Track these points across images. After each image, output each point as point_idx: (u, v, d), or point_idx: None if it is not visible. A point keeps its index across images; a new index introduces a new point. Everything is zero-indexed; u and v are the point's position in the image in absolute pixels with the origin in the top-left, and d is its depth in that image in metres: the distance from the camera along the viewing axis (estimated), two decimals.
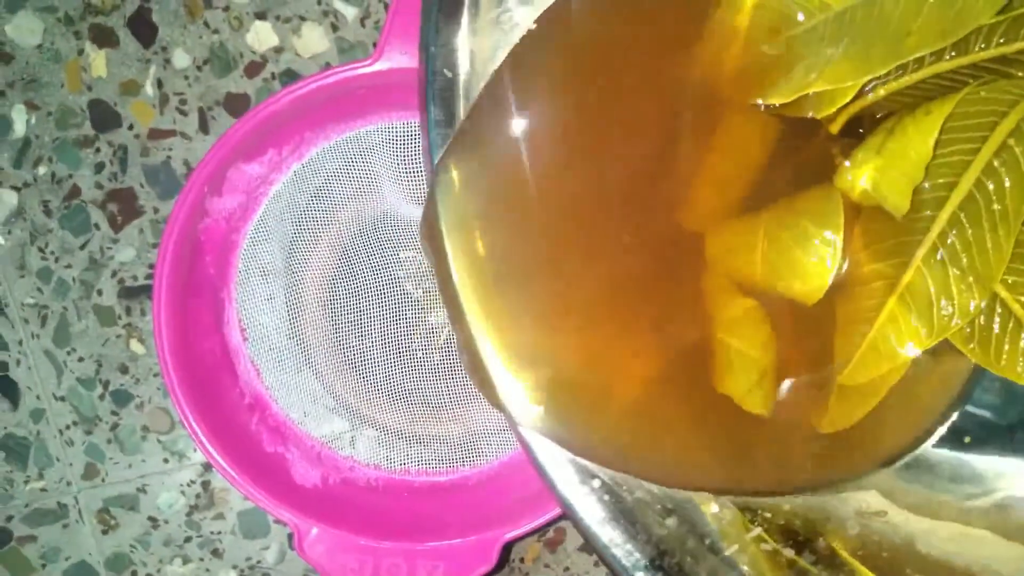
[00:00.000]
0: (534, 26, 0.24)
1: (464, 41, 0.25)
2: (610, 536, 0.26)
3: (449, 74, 0.24)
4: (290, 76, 0.46)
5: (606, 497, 0.26)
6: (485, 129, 0.24)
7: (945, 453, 0.29)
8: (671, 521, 0.26)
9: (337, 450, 0.43)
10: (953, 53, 0.24)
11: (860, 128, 0.26)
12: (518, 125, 0.24)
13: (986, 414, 0.29)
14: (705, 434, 0.25)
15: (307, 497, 0.40)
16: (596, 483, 0.26)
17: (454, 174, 0.24)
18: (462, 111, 0.25)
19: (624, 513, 0.26)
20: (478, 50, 0.25)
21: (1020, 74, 0.24)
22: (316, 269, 0.43)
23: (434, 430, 0.43)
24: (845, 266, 0.26)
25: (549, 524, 0.40)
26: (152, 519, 0.50)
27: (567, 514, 0.26)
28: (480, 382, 0.24)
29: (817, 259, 0.24)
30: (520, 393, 0.24)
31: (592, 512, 0.26)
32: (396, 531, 0.39)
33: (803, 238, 0.24)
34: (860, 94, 0.25)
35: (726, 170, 0.25)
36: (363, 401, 0.43)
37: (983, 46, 0.24)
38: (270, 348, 0.44)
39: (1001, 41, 0.23)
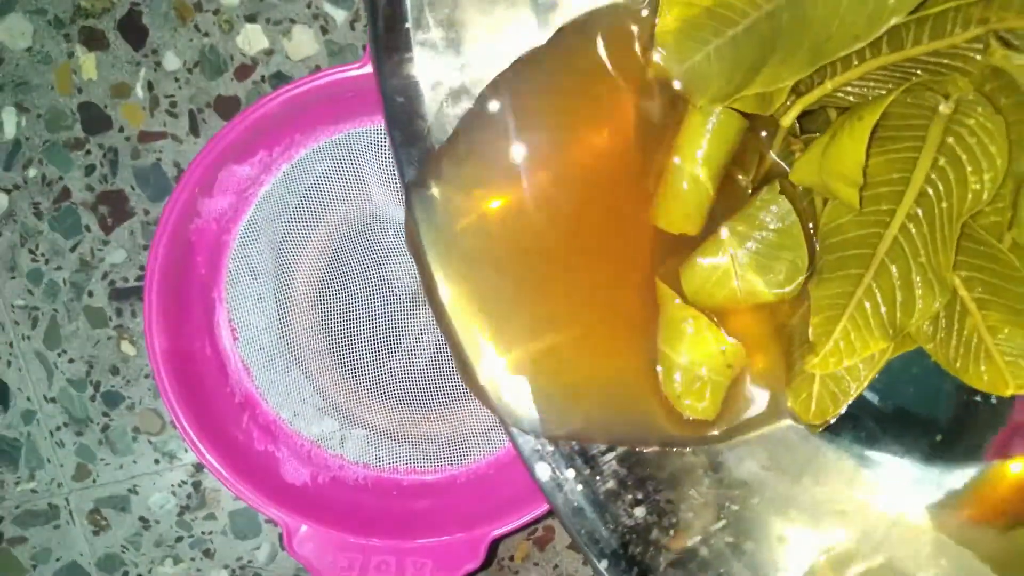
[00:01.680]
0: (509, 66, 0.27)
1: (411, 67, 0.27)
2: (582, 524, 0.28)
3: (401, 99, 0.27)
4: (280, 79, 0.46)
5: (579, 488, 0.28)
6: (463, 151, 0.27)
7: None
8: (639, 511, 0.28)
9: (327, 449, 0.43)
10: (881, 51, 0.24)
11: (828, 121, 0.27)
12: (494, 148, 0.27)
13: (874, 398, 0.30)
14: (647, 407, 0.28)
15: (296, 495, 0.40)
16: (570, 473, 0.28)
17: (433, 191, 0.27)
18: (427, 129, 0.27)
19: (595, 504, 0.28)
20: (423, 75, 0.27)
21: (946, 73, 0.24)
22: (306, 270, 0.44)
23: (422, 430, 0.43)
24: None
25: (536, 522, 0.40)
26: (143, 520, 0.50)
27: (548, 501, 0.28)
28: (462, 367, 0.27)
29: (784, 272, 0.26)
30: (499, 376, 0.27)
31: (566, 501, 0.27)
32: (385, 529, 0.39)
33: (768, 256, 0.26)
34: (801, 93, 0.26)
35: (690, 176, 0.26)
36: (352, 401, 0.44)
37: (896, 47, 0.24)
38: (260, 348, 0.44)
39: (911, 42, 0.24)
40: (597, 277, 0.28)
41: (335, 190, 0.43)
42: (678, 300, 0.27)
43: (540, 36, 0.27)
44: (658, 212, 0.27)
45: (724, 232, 0.26)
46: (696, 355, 0.27)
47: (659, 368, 0.28)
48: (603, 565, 0.28)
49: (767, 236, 0.26)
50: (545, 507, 0.39)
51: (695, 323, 0.27)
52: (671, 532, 0.28)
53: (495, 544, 0.40)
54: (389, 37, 0.27)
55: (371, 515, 0.40)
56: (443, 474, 0.43)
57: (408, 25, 0.27)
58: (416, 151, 0.27)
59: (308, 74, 0.43)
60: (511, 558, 0.48)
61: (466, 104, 0.27)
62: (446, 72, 0.27)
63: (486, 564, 0.39)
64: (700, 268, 0.27)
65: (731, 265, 0.26)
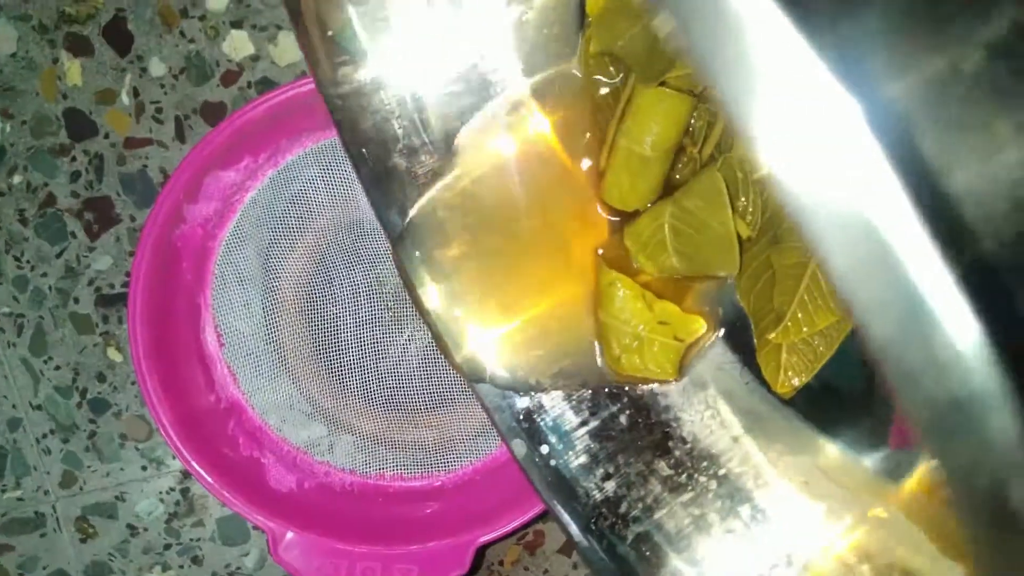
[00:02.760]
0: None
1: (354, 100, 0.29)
2: (555, 497, 0.29)
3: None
4: (266, 84, 0.46)
5: (552, 463, 0.29)
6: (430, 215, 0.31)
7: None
8: (609, 485, 0.29)
9: (313, 455, 0.43)
10: None
11: None
12: (457, 198, 0.31)
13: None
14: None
15: (282, 502, 0.40)
16: (544, 449, 0.30)
17: (410, 241, 0.30)
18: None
19: (569, 478, 0.29)
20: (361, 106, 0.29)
21: None
22: (292, 275, 0.44)
23: (409, 435, 0.43)
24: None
25: (525, 527, 0.40)
26: (131, 527, 0.50)
27: (524, 475, 0.30)
28: (443, 349, 0.31)
29: (721, 243, 0.26)
30: (474, 352, 0.31)
31: (541, 476, 0.29)
32: (371, 535, 0.39)
33: (703, 226, 0.26)
34: None
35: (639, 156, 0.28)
36: (340, 406, 0.44)
37: None
38: (247, 354, 0.44)
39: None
40: (555, 262, 0.30)
41: (322, 196, 0.43)
42: (605, 268, 0.29)
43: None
44: (608, 191, 0.28)
45: (666, 204, 0.27)
46: (627, 314, 0.28)
47: (598, 340, 0.30)
48: (576, 538, 0.29)
49: (699, 212, 0.27)
50: (532, 513, 0.39)
51: (621, 284, 0.28)
52: (639, 505, 0.29)
53: (482, 550, 0.40)
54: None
55: (357, 521, 0.40)
56: (430, 480, 0.43)
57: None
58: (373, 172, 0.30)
59: (294, 80, 0.43)
60: (501, 563, 0.48)
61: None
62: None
63: (473, 570, 0.39)
64: (641, 228, 0.28)
65: (666, 235, 0.27)
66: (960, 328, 0.13)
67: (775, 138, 0.12)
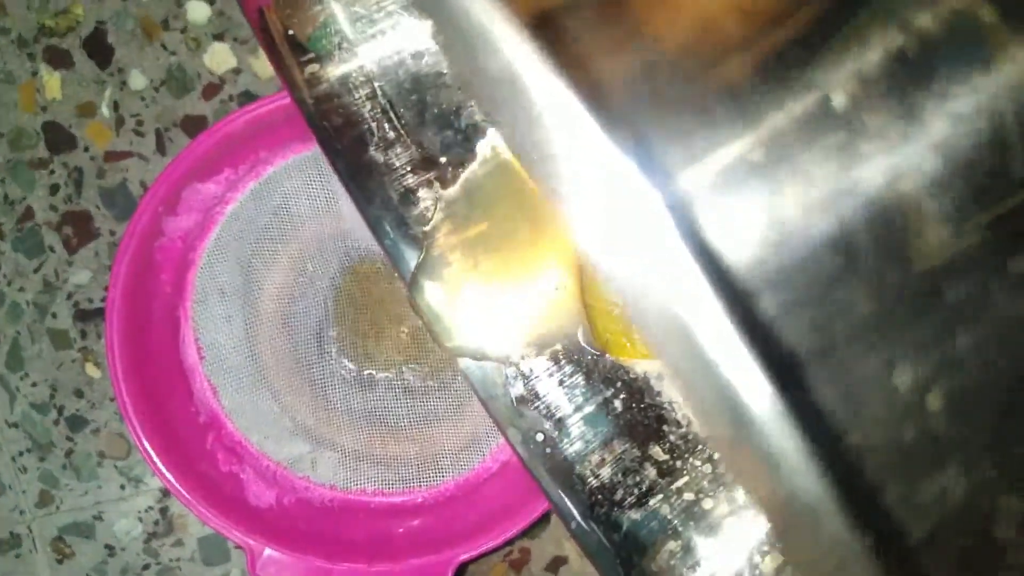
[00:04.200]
0: None
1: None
2: (551, 486, 0.29)
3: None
4: (248, 97, 0.46)
5: (547, 450, 0.29)
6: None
7: None
8: (605, 471, 0.29)
9: (293, 470, 0.43)
10: None
11: None
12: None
13: None
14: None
15: (261, 518, 0.40)
16: (539, 437, 0.30)
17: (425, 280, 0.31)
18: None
19: (564, 466, 0.29)
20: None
21: None
22: (274, 288, 0.43)
23: (392, 451, 0.43)
24: None
25: (509, 544, 0.40)
26: (109, 547, 0.49)
27: (522, 465, 0.30)
28: (436, 338, 0.32)
29: None
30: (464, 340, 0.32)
31: (536, 465, 0.29)
32: (351, 552, 0.38)
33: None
34: None
35: None
36: (322, 421, 0.43)
37: None
38: (228, 368, 0.43)
39: None
40: (544, 247, 0.31)
41: (304, 208, 0.43)
42: None
43: None
44: None
45: None
46: (612, 296, 0.28)
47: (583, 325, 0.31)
48: (572, 526, 0.29)
49: None
50: (516, 529, 0.38)
51: None
52: (635, 491, 0.29)
53: (465, 567, 0.39)
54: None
55: (337, 538, 0.40)
56: (412, 496, 0.42)
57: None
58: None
59: (275, 92, 0.43)
60: None
61: None
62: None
63: None
64: None
65: None
66: (774, 427, 0.13)
67: (586, 223, 0.13)
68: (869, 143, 0.16)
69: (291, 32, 0.30)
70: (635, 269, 0.13)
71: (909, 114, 0.16)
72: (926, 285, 0.16)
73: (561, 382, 0.31)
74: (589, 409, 0.31)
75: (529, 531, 0.42)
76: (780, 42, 0.16)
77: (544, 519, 0.46)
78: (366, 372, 0.43)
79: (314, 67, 0.30)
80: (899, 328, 0.16)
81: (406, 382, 0.43)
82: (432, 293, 0.31)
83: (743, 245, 0.15)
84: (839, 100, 0.16)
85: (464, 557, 0.37)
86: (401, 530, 0.40)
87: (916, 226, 0.16)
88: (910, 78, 0.16)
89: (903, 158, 0.16)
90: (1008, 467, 0.17)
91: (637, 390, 0.31)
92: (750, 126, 0.15)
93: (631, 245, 0.12)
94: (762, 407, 0.13)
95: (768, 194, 0.15)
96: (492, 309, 0.31)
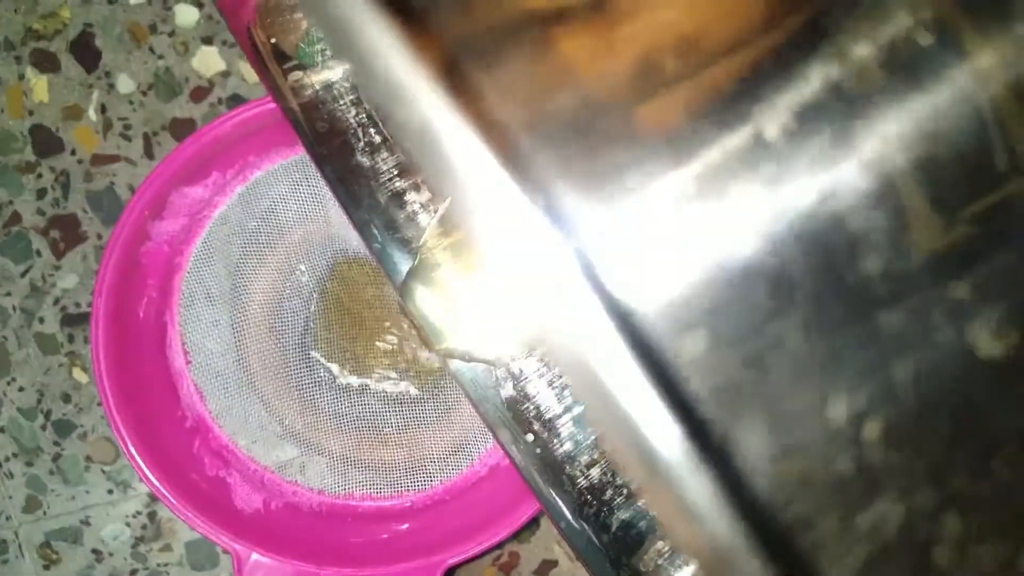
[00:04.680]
0: None
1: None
2: (541, 487, 0.29)
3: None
4: (237, 101, 0.46)
5: (537, 451, 0.29)
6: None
7: None
8: (595, 472, 0.29)
9: (281, 475, 0.43)
10: None
11: None
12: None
13: None
14: None
15: (248, 523, 0.39)
16: (529, 437, 0.30)
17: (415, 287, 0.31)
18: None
19: (553, 466, 0.29)
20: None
21: None
22: (262, 292, 0.43)
23: (380, 455, 0.43)
24: None
25: (499, 547, 0.40)
26: (96, 552, 0.49)
27: (513, 467, 0.30)
28: (424, 342, 0.32)
29: None
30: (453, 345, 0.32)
31: (525, 465, 0.29)
32: (338, 557, 0.38)
33: None
34: None
35: None
36: (309, 426, 0.43)
37: None
38: (215, 373, 0.43)
39: None
40: None
41: (292, 212, 0.43)
42: None
43: None
44: None
45: None
46: None
47: None
48: (562, 526, 0.29)
49: None
50: (505, 533, 0.38)
51: None
52: (624, 491, 0.29)
53: (452, 572, 0.39)
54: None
55: (325, 542, 0.40)
56: (400, 500, 0.42)
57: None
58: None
59: (264, 96, 0.43)
60: None
61: None
62: None
63: None
64: None
65: None
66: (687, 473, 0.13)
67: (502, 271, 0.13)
68: (802, 168, 0.16)
69: (275, 41, 0.30)
70: (547, 318, 0.13)
71: (843, 138, 0.16)
72: (863, 314, 0.16)
73: (551, 383, 0.31)
74: (579, 410, 0.31)
75: (518, 535, 0.42)
76: (718, 79, 0.16)
77: (533, 523, 0.46)
78: (354, 376, 0.43)
79: (298, 74, 0.30)
80: (834, 360, 0.16)
81: (395, 386, 0.43)
82: (421, 296, 0.31)
83: (669, 286, 0.15)
84: (772, 132, 0.16)
85: (452, 561, 0.37)
86: (389, 535, 0.40)
87: (852, 250, 0.16)
88: (846, 107, 0.16)
89: (834, 178, 0.16)
90: (947, 492, 0.17)
91: None
92: (683, 160, 0.16)
93: (542, 294, 0.13)
94: (673, 453, 0.13)
95: (700, 228, 0.16)
96: (483, 312, 0.31)
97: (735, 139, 0.15)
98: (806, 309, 0.15)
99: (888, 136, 0.16)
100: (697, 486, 0.13)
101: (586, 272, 0.13)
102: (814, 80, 0.16)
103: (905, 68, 0.16)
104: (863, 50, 0.16)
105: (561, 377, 0.31)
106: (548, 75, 0.16)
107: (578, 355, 0.13)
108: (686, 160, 0.15)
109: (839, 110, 0.16)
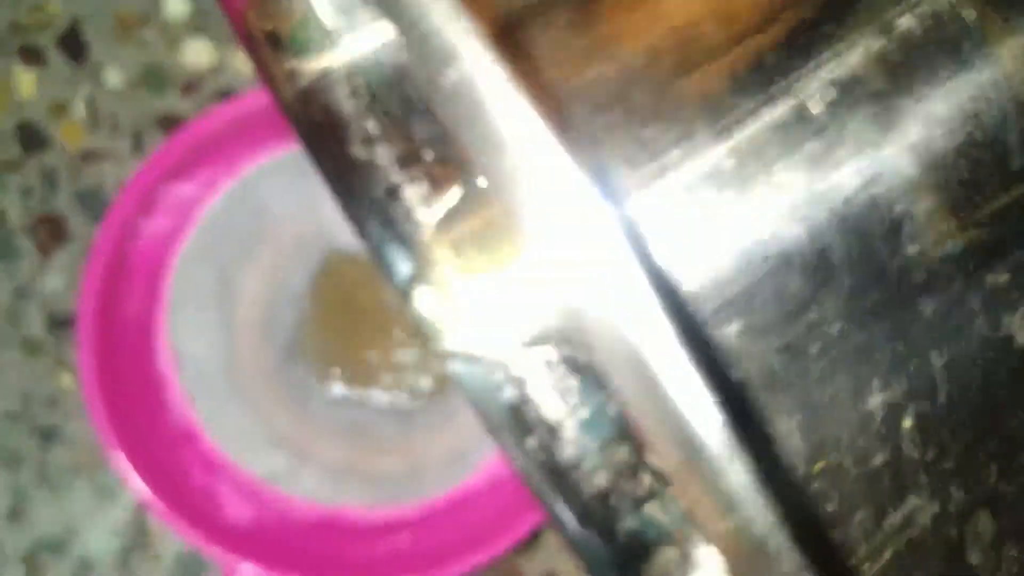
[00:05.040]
0: None
1: None
2: (546, 494, 0.28)
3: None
4: (228, 95, 0.45)
5: (542, 457, 0.29)
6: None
7: None
8: (600, 477, 0.28)
9: (273, 485, 0.42)
10: None
11: None
12: None
13: None
14: None
15: (239, 534, 0.39)
16: (532, 442, 0.29)
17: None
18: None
19: (557, 473, 0.28)
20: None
21: None
22: (254, 293, 0.42)
23: (376, 464, 0.42)
24: None
25: (497, 559, 0.39)
26: (83, 561, 0.47)
27: (516, 475, 0.29)
28: (422, 342, 0.30)
29: None
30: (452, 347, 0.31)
31: (529, 472, 0.28)
32: (334, 570, 0.37)
33: None
34: None
35: None
36: (302, 434, 0.42)
37: None
38: (204, 377, 0.42)
39: None
40: None
41: (284, 209, 0.42)
42: None
43: None
44: None
45: None
46: None
47: None
48: (567, 534, 0.28)
49: None
50: (506, 544, 0.37)
51: None
52: (631, 498, 0.29)
53: None
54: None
55: (319, 555, 0.39)
56: (397, 511, 0.41)
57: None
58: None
59: (255, 90, 0.42)
60: None
61: None
62: None
63: None
64: None
65: None
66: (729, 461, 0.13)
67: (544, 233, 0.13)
68: (845, 148, 0.16)
69: (270, 28, 0.29)
70: (588, 292, 0.13)
71: (887, 118, 0.16)
72: (903, 300, 0.16)
73: (555, 385, 0.31)
74: (584, 413, 0.30)
75: (520, 546, 0.41)
76: (759, 48, 0.16)
77: (535, 534, 0.45)
78: (349, 382, 0.42)
79: (293, 63, 0.29)
80: (872, 348, 0.16)
81: (391, 393, 0.42)
82: (421, 295, 0.30)
83: (709, 267, 0.15)
84: (816, 106, 0.16)
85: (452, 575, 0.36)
86: (387, 547, 0.39)
87: (893, 235, 0.16)
88: (889, 81, 0.16)
89: (879, 161, 0.16)
90: (978, 490, 0.17)
91: None
92: (724, 134, 0.15)
93: (585, 267, 0.12)
94: (714, 439, 0.13)
95: (739, 208, 0.15)
96: (484, 311, 0.30)
97: (778, 112, 0.15)
98: (844, 293, 0.15)
99: (932, 117, 0.15)
100: (735, 474, 0.13)
101: (634, 246, 0.12)
102: (858, 52, 0.15)
103: (950, 43, 0.16)
104: (907, 22, 0.15)
105: (566, 379, 0.30)
106: (591, 40, 0.16)
107: (619, 333, 0.12)
108: (726, 135, 0.15)
109: (884, 86, 0.15)
